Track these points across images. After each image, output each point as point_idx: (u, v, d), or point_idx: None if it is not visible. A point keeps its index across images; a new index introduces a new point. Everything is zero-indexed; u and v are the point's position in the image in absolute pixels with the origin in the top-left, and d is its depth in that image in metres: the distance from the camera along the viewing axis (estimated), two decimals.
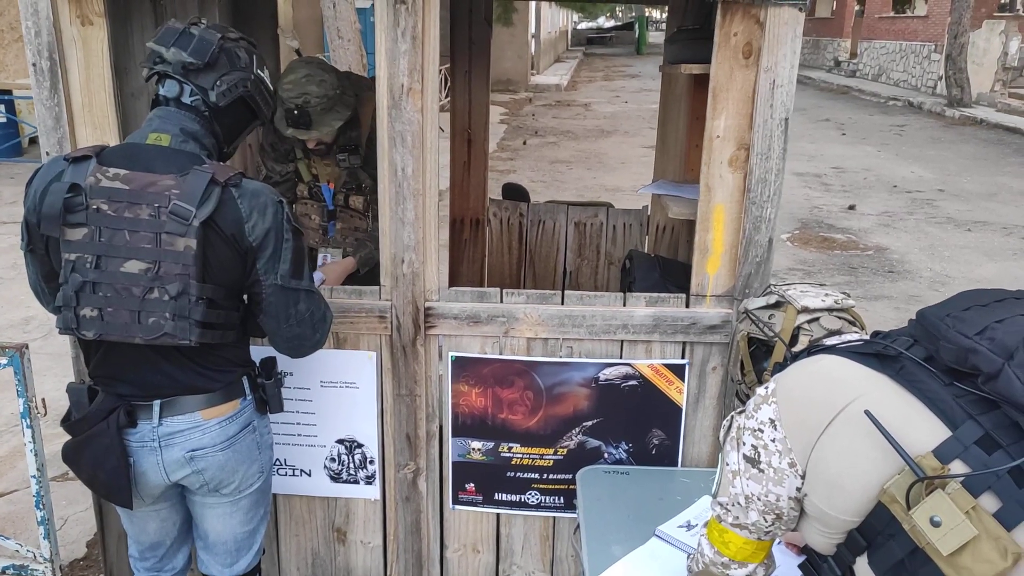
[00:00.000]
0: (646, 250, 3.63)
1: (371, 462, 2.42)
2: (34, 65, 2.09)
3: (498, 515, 2.48)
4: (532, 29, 22.43)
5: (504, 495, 2.44)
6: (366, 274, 2.91)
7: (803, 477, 1.29)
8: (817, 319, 1.70)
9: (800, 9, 2.01)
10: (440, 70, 2.56)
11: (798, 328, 1.70)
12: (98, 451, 1.75)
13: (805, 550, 1.39)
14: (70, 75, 2.12)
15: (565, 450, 2.38)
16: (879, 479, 1.18)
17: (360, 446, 2.41)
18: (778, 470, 1.31)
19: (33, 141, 10.19)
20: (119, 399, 1.77)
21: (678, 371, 2.31)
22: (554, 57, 31.23)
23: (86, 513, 3.18)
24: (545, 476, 2.41)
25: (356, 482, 2.45)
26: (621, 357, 2.29)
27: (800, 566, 1.40)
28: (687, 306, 2.26)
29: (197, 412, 1.81)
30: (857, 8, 26.39)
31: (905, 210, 8.82)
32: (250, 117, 1.90)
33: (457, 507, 2.48)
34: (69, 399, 1.81)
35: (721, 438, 1.48)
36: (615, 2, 5.76)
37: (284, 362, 2.00)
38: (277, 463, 2.43)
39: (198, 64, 1.73)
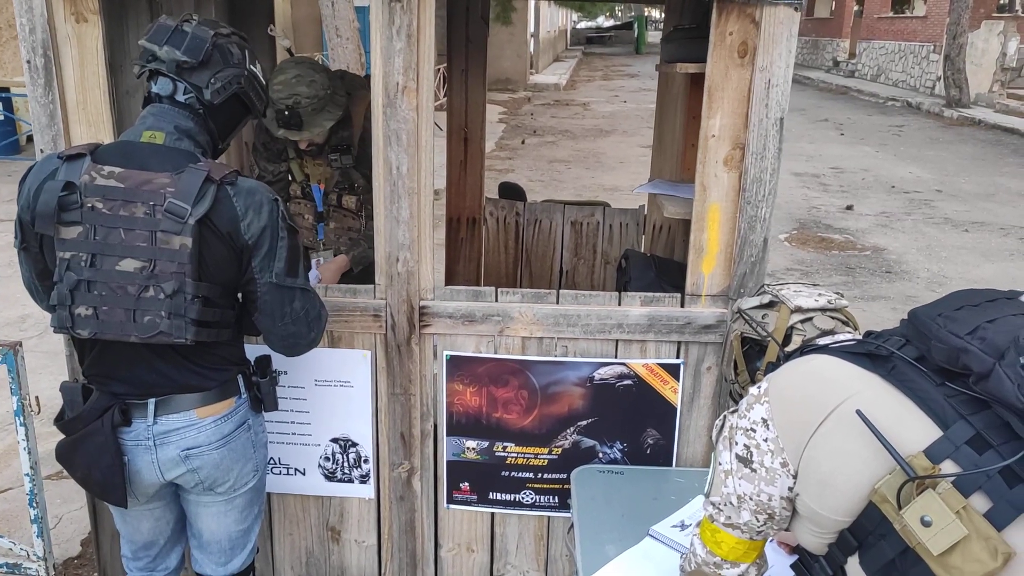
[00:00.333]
0: (642, 249, 3.64)
1: (365, 461, 2.42)
2: (28, 62, 2.08)
3: (492, 514, 2.48)
4: (531, 28, 22.44)
5: (498, 494, 2.44)
6: (360, 273, 2.91)
7: (795, 477, 1.29)
8: (810, 319, 1.70)
9: (795, 8, 2.01)
10: (438, 69, 2.55)
11: (791, 328, 1.70)
12: (92, 450, 1.75)
13: (797, 550, 1.40)
14: (64, 72, 2.11)
15: (560, 449, 2.38)
16: (870, 479, 1.18)
17: (354, 445, 2.41)
18: (770, 470, 1.32)
19: (31, 139, 10.17)
20: (113, 398, 1.76)
21: (673, 371, 2.31)
22: (553, 56, 31.24)
23: (81, 511, 3.17)
24: (540, 475, 2.41)
25: (350, 481, 2.45)
26: (616, 356, 2.29)
27: (792, 566, 1.40)
28: (682, 306, 2.26)
29: (192, 410, 1.80)
30: (856, 8, 26.41)
31: (903, 210, 8.82)
32: (244, 112, 1.89)
33: (451, 506, 2.48)
34: (63, 398, 1.81)
35: (714, 437, 1.48)
36: (614, 1, 5.76)
37: (279, 361, 2.00)
38: (271, 462, 2.43)
39: (192, 63, 1.73)
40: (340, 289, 2.29)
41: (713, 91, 2.10)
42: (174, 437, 1.80)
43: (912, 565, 1.12)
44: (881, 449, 1.15)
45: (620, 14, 55.40)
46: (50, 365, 4.25)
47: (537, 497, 2.44)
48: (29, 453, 2.50)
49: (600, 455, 2.38)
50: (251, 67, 1.84)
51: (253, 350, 1.98)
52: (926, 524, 1.09)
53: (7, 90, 10.27)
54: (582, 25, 52.17)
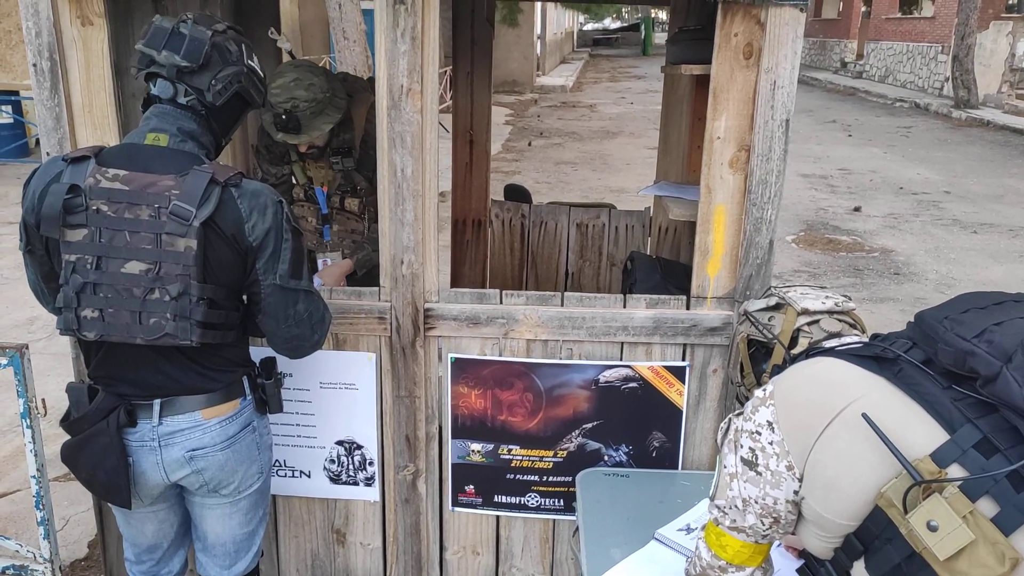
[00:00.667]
0: (648, 251, 3.63)
1: (370, 463, 2.42)
2: (35, 66, 2.09)
3: (498, 517, 2.48)
4: (538, 30, 22.45)
5: (504, 497, 2.44)
6: (364, 276, 2.91)
7: (800, 480, 1.28)
8: (817, 321, 1.69)
9: (801, 10, 2.00)
10: (444, 71, 2.55)
11: (798, 330, 1.69)
12: (97, 450, 1.75)
13: (803, 554, 1.39)
14: (70, 76, 2.12)
15: (565, 452, 2.37)
16: (876, 482, 1.17)
17: (359, 447, 2.41)
18: (775, 473, 1.31)
19: (40, 142, 10.23)
20: (119, 399, 1.76)
21: (678, 373, 2.30)
22: (560, 58, 31.24)
23: (87, 514, 3.18)
24: (545, 478, 2.41)
25: (355, 484, 2.45)
26: (621, 359, 2.29)
27: (798, 570, 1.39)
28: (688, 308, 2.25)
29: (197, 411, 1.81)
30: (864, 9, 26.33)
31: (911, 212, 8.78)
32: (244, 107, 1.89)
33: (457, 509, 2.47)
34: (68, 399, 1.81)
35: (719, 440, 1.47)
36: (620, 3, 5.75)
37: (284, 363, 2.00)
38: (276, 464, 2.43)
39: (192, 67, 1.72)
40: (345, 291, 2.29)
41: (718, 92, 2.09)
42: (179, 438, 1.80)
43: (918, 570, 1.11)
44: (887, 453, 1.14)
45: (627, 16, 55.39)
46: (58, 367, 4.26)
47: (542, 500, 2.43)
48: (36, 455, 2.50)
49: (605, 458, 2.37)
50: (249, 62, 1.83)
51: (258, 352, 1.98)
52: (932, 529, 1.08)
53: (16, 93, 10.33)
54: (589, 27, 52.13)
